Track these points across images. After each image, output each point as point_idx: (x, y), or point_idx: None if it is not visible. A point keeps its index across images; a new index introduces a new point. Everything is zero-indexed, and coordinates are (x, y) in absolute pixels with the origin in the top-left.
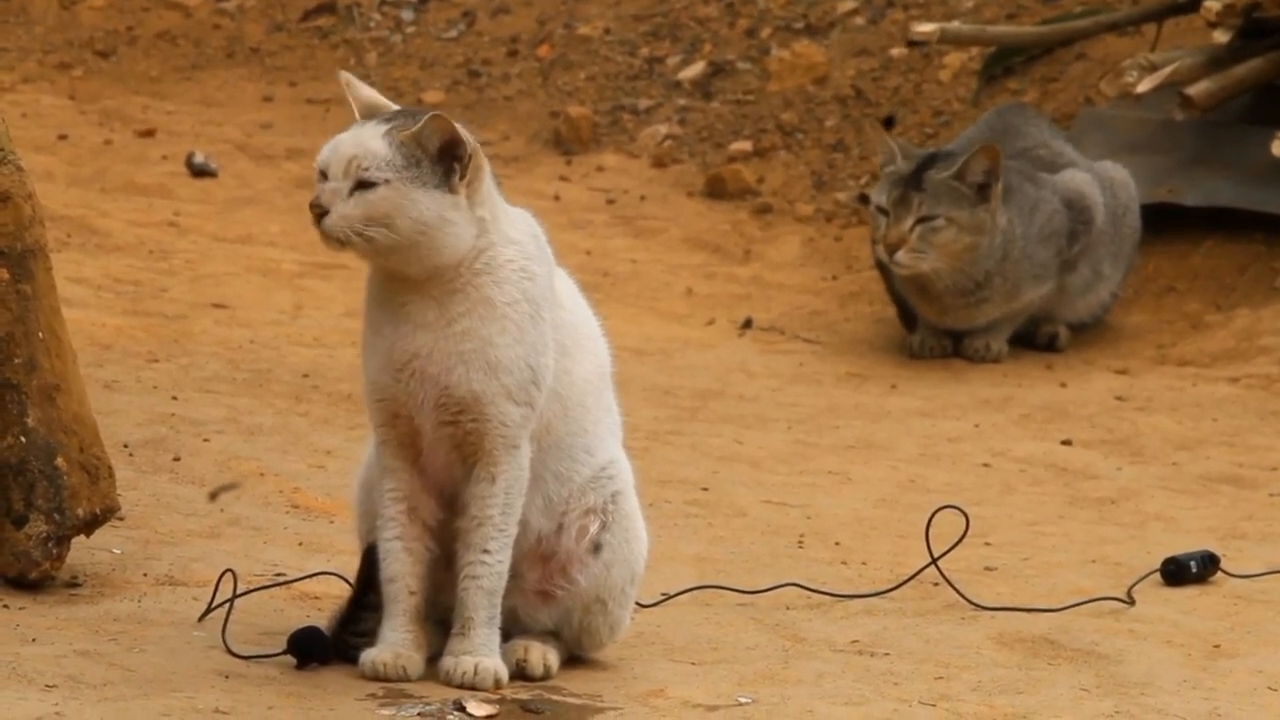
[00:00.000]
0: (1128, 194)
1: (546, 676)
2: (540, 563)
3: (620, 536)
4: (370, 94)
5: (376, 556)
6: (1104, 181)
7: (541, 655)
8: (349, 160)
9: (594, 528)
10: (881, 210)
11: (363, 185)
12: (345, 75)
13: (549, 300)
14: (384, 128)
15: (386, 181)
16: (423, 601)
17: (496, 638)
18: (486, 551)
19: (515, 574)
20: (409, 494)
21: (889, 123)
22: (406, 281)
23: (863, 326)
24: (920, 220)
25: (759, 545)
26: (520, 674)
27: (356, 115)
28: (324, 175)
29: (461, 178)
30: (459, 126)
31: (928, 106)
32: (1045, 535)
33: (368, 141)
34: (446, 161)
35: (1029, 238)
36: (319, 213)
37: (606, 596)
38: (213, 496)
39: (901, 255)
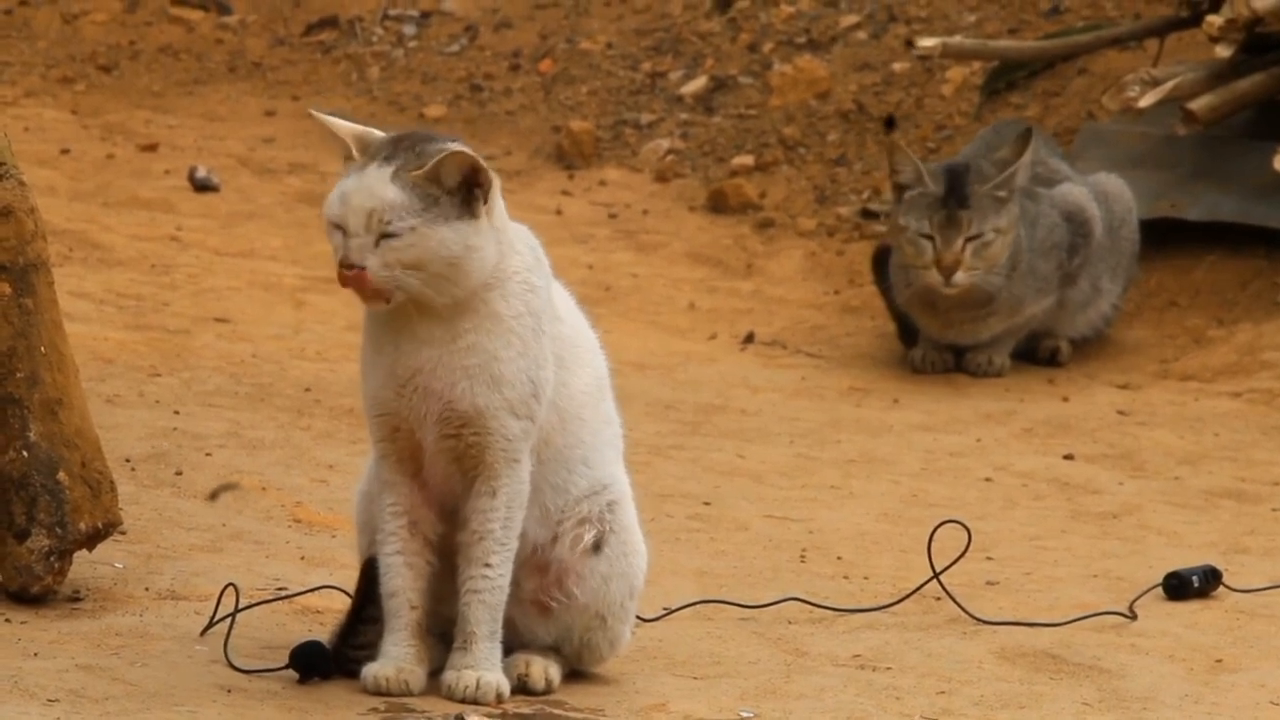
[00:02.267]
0: (1123, 205)
1: (548, 691)
2: (538, 573)
3: (619, 550)
4: (353, 125)
5: (375, 569)
6: (1099, 194)
7: (543, 669)
8: (368, 214)
9: (589, 536)
10: (925, 236)
11: (387, 235)
12: (319, 114)
13: (549, 313)
14: (389, 169)
15: (412, 229)
16: (424, 616)
17: (498, 652)
18: (488, 566)
19: (513, 582)
20: (409, 508)
21: (889, 123)
22: (420, 305)
23: (865, 341)
24: (970, 239)
25: (761, 559)
26: (522, 688)
27: (354, 152)
28: (339, 229)
29: (484, 203)
30: (474, 154)
31: (929, 121)
32: (1047, 550)
33: (380, 190)
34: (466, 189)
35: (1031, 251)
36: (353, 272)
37: (606, 612)
38: (213, 496)
39: (960, 276)
